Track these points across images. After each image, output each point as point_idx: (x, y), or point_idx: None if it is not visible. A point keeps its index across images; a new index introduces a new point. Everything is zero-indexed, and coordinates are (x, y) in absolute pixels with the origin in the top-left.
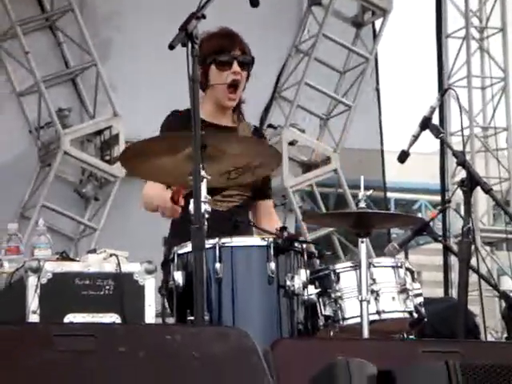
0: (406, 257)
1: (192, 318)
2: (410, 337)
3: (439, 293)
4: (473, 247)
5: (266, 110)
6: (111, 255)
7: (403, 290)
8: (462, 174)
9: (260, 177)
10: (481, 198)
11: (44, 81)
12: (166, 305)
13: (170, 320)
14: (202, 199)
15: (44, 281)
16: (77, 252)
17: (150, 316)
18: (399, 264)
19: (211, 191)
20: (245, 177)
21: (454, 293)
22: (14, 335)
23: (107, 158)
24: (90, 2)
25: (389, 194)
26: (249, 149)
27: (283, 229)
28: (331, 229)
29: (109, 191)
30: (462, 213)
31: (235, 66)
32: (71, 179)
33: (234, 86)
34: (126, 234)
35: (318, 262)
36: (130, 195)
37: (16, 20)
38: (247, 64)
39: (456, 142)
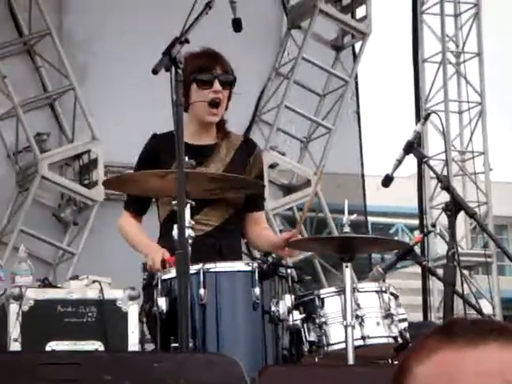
0: (384, 281)
1: (176, 344)
2: (395, 362)
3: (415, 316)
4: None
5: (246, 132)
6: (94, 281)
7: (388, 315)
8: (439, 198)
9: (245, 194)
10: (459, 222)
11: (22, 105)
12: (146, 331)
13: (150, 347)
14: (186, 224)
15: (26, 308)
16: (55, 277)
17: (133, 342)
18: (383, 289)
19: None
20: (229, 193)
21: (432, 317)
22: None
23: (86, 182)
24: (66, 25)
25: None
26: (224, 182)
27: (267, 254)
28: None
29: (87, 215)
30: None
31: (216, 85)
32: (49, 203)
33: (215, 105)
34: (104, 259)
35: (298, 286)
36: (109, 219)
37: None
38: (228, 83)
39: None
